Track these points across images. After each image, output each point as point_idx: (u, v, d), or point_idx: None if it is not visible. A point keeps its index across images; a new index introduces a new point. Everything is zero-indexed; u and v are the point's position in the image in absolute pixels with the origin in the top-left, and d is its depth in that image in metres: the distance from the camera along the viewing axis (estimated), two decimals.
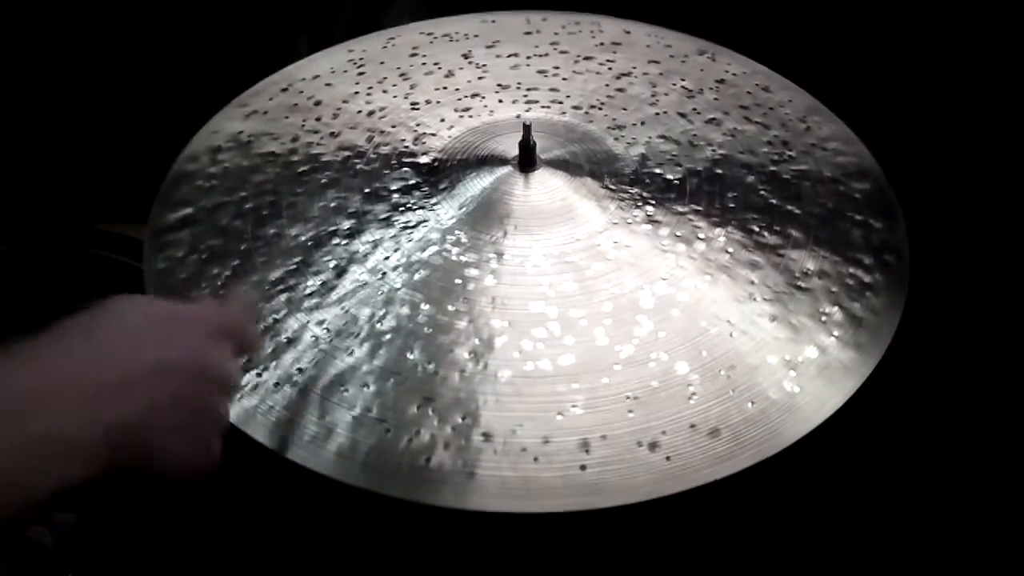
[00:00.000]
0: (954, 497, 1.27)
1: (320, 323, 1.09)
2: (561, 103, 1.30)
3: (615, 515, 0.98)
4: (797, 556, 1.23)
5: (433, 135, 1.25)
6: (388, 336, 1.07)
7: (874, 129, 1.30)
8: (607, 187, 1.19)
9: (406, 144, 1.25)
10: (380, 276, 1.12)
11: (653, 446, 1.01)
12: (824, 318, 1.11)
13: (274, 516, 1.24)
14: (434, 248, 1.14)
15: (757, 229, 1.17)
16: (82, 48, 1.71)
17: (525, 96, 1.31)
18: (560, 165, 1.21)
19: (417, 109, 1.29)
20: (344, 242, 1.15)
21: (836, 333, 1.10)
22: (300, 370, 1.06)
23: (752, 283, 1.12)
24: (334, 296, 1.11)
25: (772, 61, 1.38)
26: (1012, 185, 1.54)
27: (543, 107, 1.30)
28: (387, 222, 1.16)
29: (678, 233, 1.16)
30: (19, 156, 1.67)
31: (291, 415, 1.03)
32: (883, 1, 1.65)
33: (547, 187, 1.19)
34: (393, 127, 1.27)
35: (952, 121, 1.60)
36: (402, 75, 1.34)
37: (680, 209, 1.18)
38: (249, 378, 1.05)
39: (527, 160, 1.20)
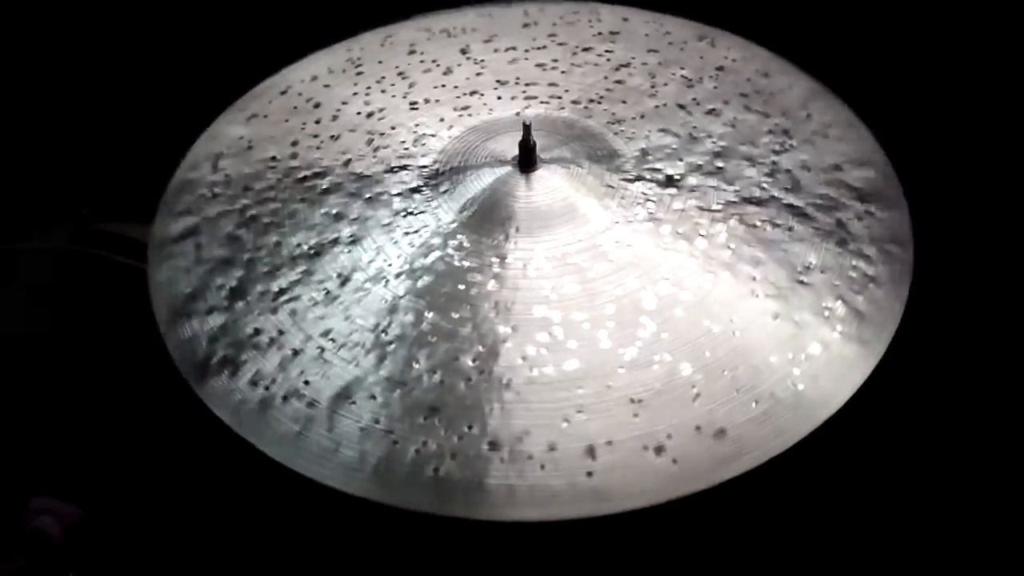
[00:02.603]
0: (964, 489, 1.27)
1: (325, 334, 1.09)
2: (560, 98, 1.30)
3: (624, 520, 0.99)
4: (808, 554, 1.24)
5: (433, 136, 1.25)
6: (393, 345, 1.08)
7: (877, 112, 1.29)
8: (608, 185, 1.19)
9: (406, 146, 1.24)
10: (383, 283, 1.12)
11: (659, 450, 1.02)
12: (827, 313, 1.11)
13: (283, 528, 1.26)
14: (436, 253, 1.14)
15: (759, 223, 1.17)
16: (82, 48, 1.71)
17: (524, 92, 1.31)
18: (560, 164, 1.21)
19: (416, 109, 1.29)
20: (347, 250, 1.15)
21: (839, 328, 1.10)
22: (307, 382, 1.07)
23: (754, 279, 1.12)
24: (338, 306, 1.11)
25: (773, 41, 1.37)
26: (1018, 172, 1.53)
27: (542, 102, 1.29)
28: (389, 228, 1.17)
29: (679, 230, 1.15)
30: (19, 156, 1.68)
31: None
32: None
33: (548, 187, 1.19)
34: (392, 128, 1.27)
35: (956, 106, 1.58)
36: (400, 74, 1.34)
37: (681, 205, 1.18)
38: (257, 392, 1.06)
39: (527, 160, 1.20)
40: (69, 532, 1.18)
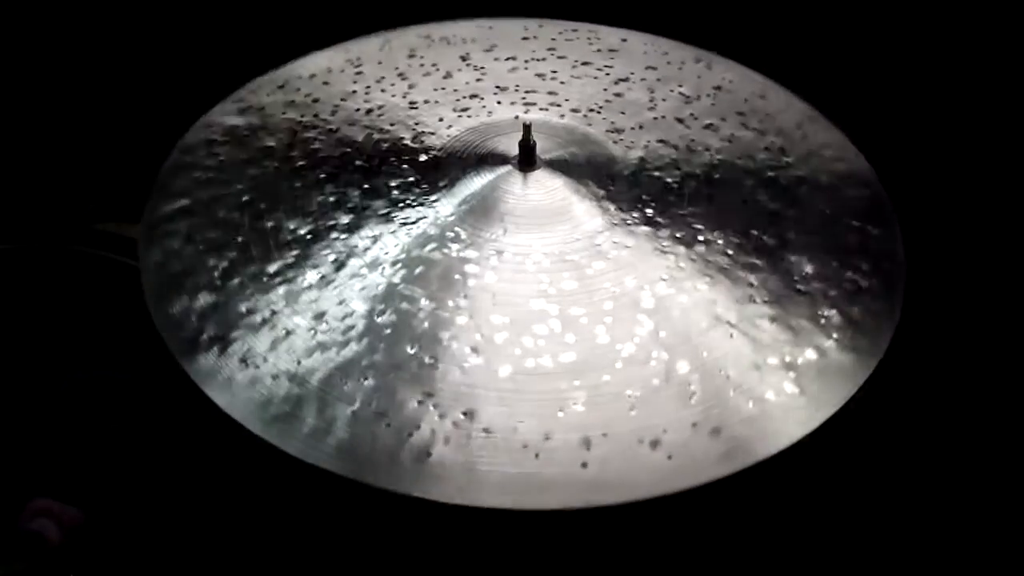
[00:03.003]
0: (952, 498, 1.27)
1: (319, 316, 1.08)
2: (559, 106, 1.30)
3: (616, 512, 0.98)
4: (796, 556, 1.23)
5: (432, 134, 1.25)
6: (388, 331, 1.07)
7: (870, 136, 1.31)
8: (607, 189, 1.19)
9: (405, 142, 1.24)
10: (379, 271, 1.11)
11: (654, 444, 1.01)
12: (823, 321, 1.11)
13: (274, 511, 1.23)
14: (433, 244, 1.13)
15: (756, 233, 1.17)
16: (83, 50, 1.71)
17: (524, 99, 1.31)
18: (560, 166, 1.21)
19: (416, 108, 1.29)
20: (343, 236, 1.14)
21: (835, 336, 1.10)
22: (298, 362, 1.05)
23: (751, 285, 1.13)
24: (333, 289, 1.10)
25: (768, 68, 1.39)
26: (1008, 190, 1.56)
27: (541, 109, 1.29)
28: (386, 217, 1.16)
29: (678, 235, 1.16)
30: (19, 156, 1.66)
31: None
32: (879, 9, 1.66)
33: (546, 187, 1.19)
34: (392, 125, 1.26)
35: (947, 127, 1.61)
36: (400, 75, 1.34)
37: (679, 212, 1.18)
38: (248, 373, 1.04)
39: (527, 160, 1.20)
40: (70, 534, 1.15)
